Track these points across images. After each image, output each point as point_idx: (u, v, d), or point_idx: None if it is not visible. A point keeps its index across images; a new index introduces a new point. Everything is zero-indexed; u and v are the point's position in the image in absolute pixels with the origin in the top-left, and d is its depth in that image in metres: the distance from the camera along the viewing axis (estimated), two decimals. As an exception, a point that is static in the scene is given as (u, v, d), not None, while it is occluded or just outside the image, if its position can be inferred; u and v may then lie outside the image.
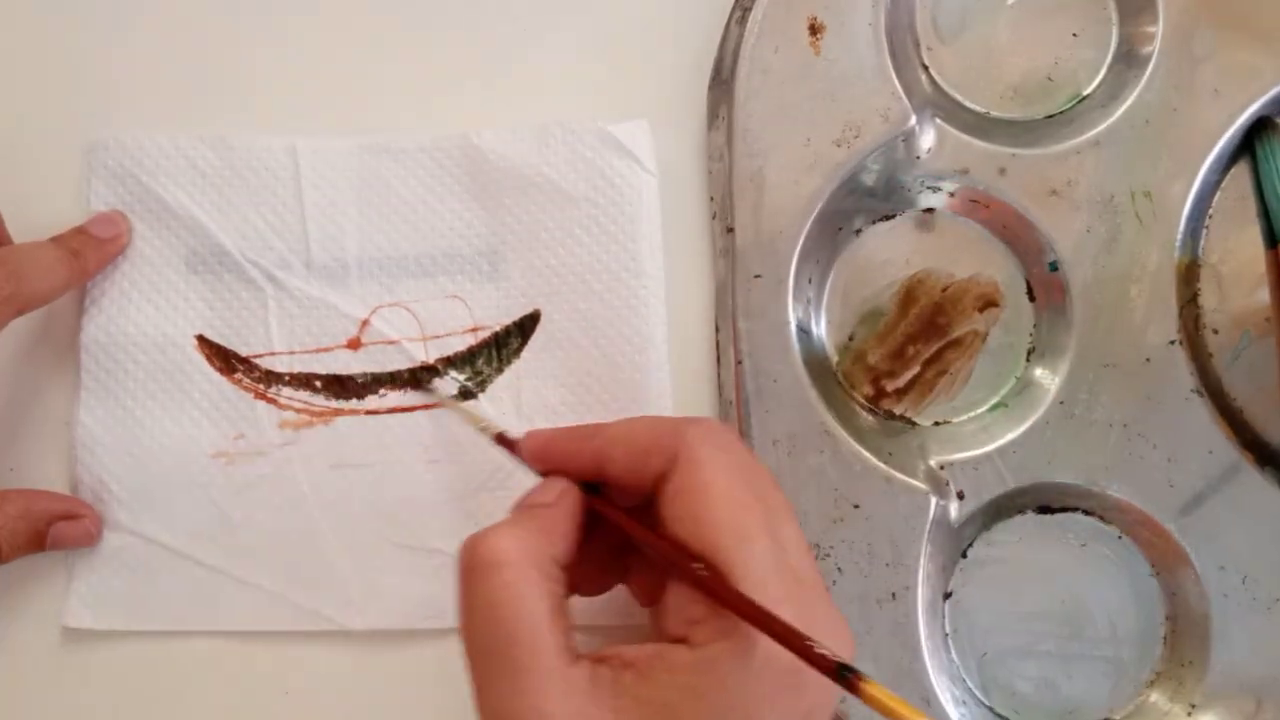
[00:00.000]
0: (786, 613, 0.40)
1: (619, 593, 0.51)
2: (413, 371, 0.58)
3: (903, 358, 0.59)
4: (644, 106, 0.59)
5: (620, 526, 0.46)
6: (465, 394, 0.58)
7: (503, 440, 0.52)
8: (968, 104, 0.59)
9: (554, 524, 0.45)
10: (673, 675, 0.41)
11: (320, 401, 0.58)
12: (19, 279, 0.53)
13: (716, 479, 0.43)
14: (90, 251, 0.57)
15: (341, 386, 0.58)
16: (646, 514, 0.46)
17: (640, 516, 0.46)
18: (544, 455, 0.49)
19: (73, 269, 0.56)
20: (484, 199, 0.59)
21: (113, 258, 0.58)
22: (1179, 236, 0.57)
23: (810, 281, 0.58)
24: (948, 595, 0.57)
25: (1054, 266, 0.57)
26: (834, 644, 0.40)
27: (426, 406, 0.58)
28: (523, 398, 0.57)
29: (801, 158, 0.57)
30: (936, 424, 0.58)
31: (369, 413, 0.58)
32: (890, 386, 0.59)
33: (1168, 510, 0.56)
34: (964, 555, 0.57)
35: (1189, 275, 0.58)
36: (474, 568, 0.42)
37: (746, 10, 0.57)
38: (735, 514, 0.42)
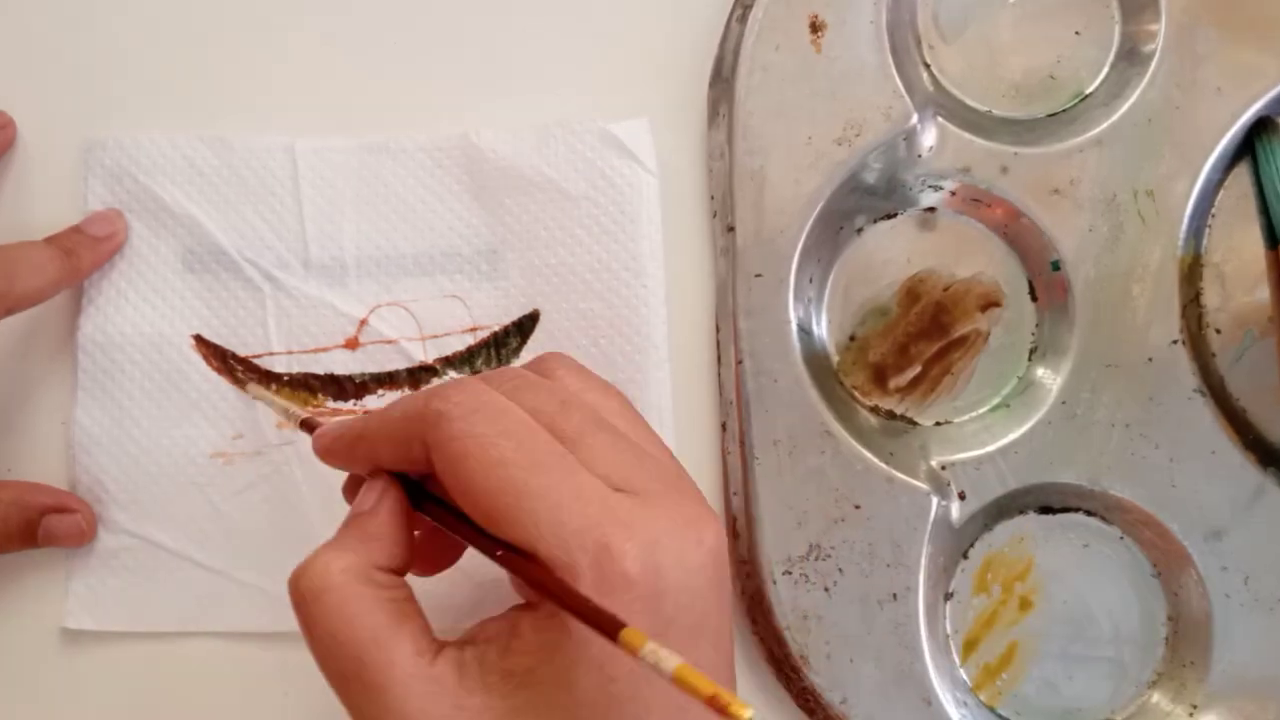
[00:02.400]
0: (598, 533, 0.38)
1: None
2: (411, 371, 0.58)
3: (904, 357, 0.58)
4: (644, 105, 0.59)
5: (436, 521, 0.44)
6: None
7: (307, 426, 0.50)
8: (969, 102, 0.59)
9: (376, 531, 0.43)
10: (524, 640, 0.40)
11: (318, 401, 0.58)
12: (9, 278, 0.53)
13: (466, 449, 0.40)
14: (84, 250, 0.57)
15: (339, 386, 0.58)
16: None
17: None
18: (332, 456, 0.47)
19: (65, 268, 0.56)
20: (483, 198, 0.59)
21: (108, 256, 0.58)
22: (1182, 235, 0.57)
23: (811, 281, 0.58)
24: (949, 596, 0.57)
25: (1056, 266, 0.57)
26: (677, 542, 0.39)
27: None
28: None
29: (802, 156, 0.57)
30: (938, 424, 0.58)
31: (367, 412, 0.58)
32: (891, 386, 0.58)
33: (1170, 511, 0.56)
34: (965, 556, 0.57)
35: (1191, 274, 0.57)
36: (302, 600, 0.41)
37: (747, 8, 0.57)
38: (499, 474, 0.40)
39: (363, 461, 0.46)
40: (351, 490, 0.48)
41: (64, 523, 0.56)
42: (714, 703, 0.32)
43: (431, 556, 0.48)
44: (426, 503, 0.44)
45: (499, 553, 0.40)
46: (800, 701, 0.56)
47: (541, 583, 0.38)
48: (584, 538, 0.38)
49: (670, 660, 0.33)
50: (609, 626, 0.35)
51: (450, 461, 0.40)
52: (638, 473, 0.42)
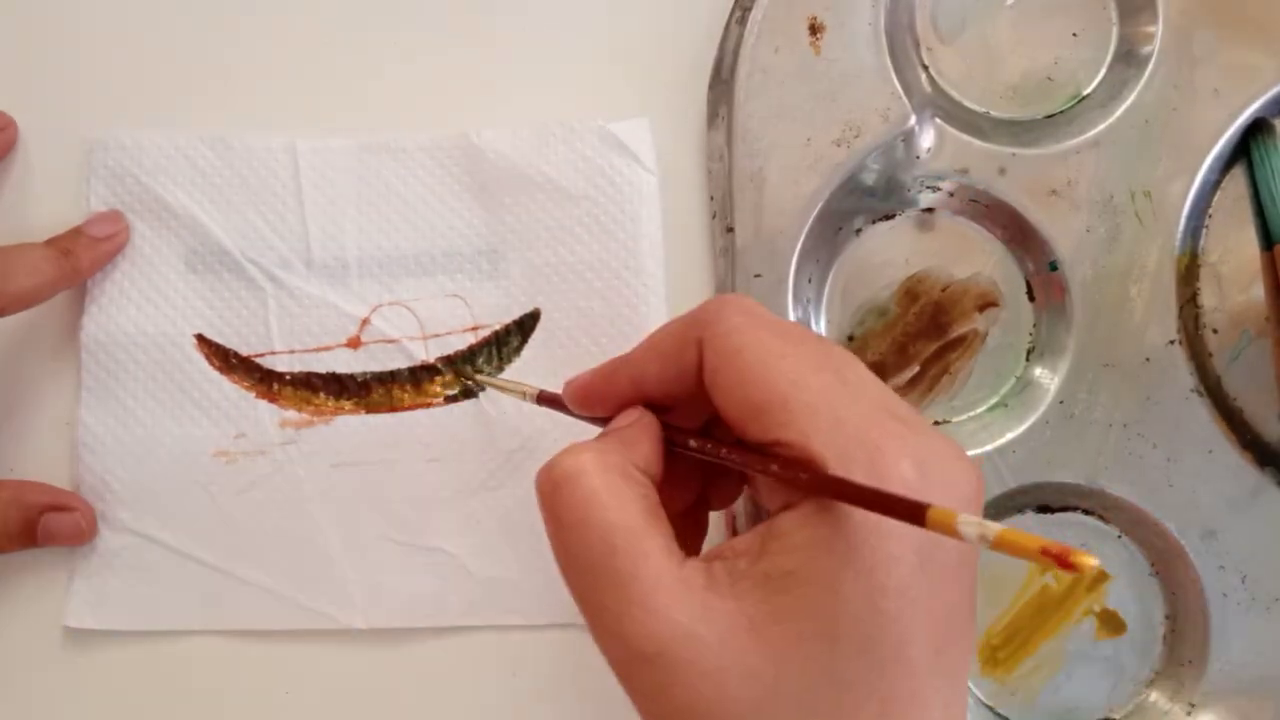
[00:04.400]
0: (875, 433, 0.37)
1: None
2: (413, 370, 0.58)
3: (902, 357, 0.58)
4: (644, 106, 0.59)
5: (693, 450, 0.42)
6: (466, 393, 0.58)
7: (545, 398, 0.49)
8: (967, 104, 0.59)
9: (633, 437, 0.42)
10: (785, 541, 0.37)
11: (320, 400, 0.58)
12: (3, 278, 0.53)
13: (746, 340, 0.39)
14: (83, 251, 0.57)
15: (341, 385, 0.58)
16: (716, 430, 0.43)
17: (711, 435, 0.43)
18: (587, 398, 0.45)
19: (62, 268, 0.56)
20: (484, 198, 0.59)
21: (109, 257, 0.58)
22: (1178, 236, 0.57)
23: (810, 281, 0.58)
24: (948, 595, 0.57)
25: (1054, 266, 0.57)
26: (946, 465, 0.37)
27: (426, 405, 0.58)
28: (523, 396, 0.57)
29: (801, 157, 0.57)
30: (936, 423, 0.58)
31: (369, 411, 0.58)
32: (890, 386, 0.58)
33: (1167, 510, 0.56)
34: (964, 555, 0.57)
35: (1189, 275, 0.58)
36: (554, 487, 0.39)
37: (746, 10, 0.57)
38: (778, 363, 0.38)
39: (624, 387, 0.44)
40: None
41: (63, 521, 0.56)
42: (1049, 556, 0.29)
43: (678, 498, 0.46)
44: (687, 436, 0.43)
45: (774, 466, 0.38)
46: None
47: (826, 482, 0.36)
48: (863, 433, 0.37)
49: (992, 528, 0.31)
50: (913, 510, 0.33)
51: (726, 354, 0.39)
52: (902, 405, 0.40)
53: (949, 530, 0.32)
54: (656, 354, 0.43)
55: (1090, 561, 0.29)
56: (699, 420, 0.45)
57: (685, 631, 0.36)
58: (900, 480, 0.36)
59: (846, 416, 0.37)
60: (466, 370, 0.58)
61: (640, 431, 0.42)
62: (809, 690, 0.36)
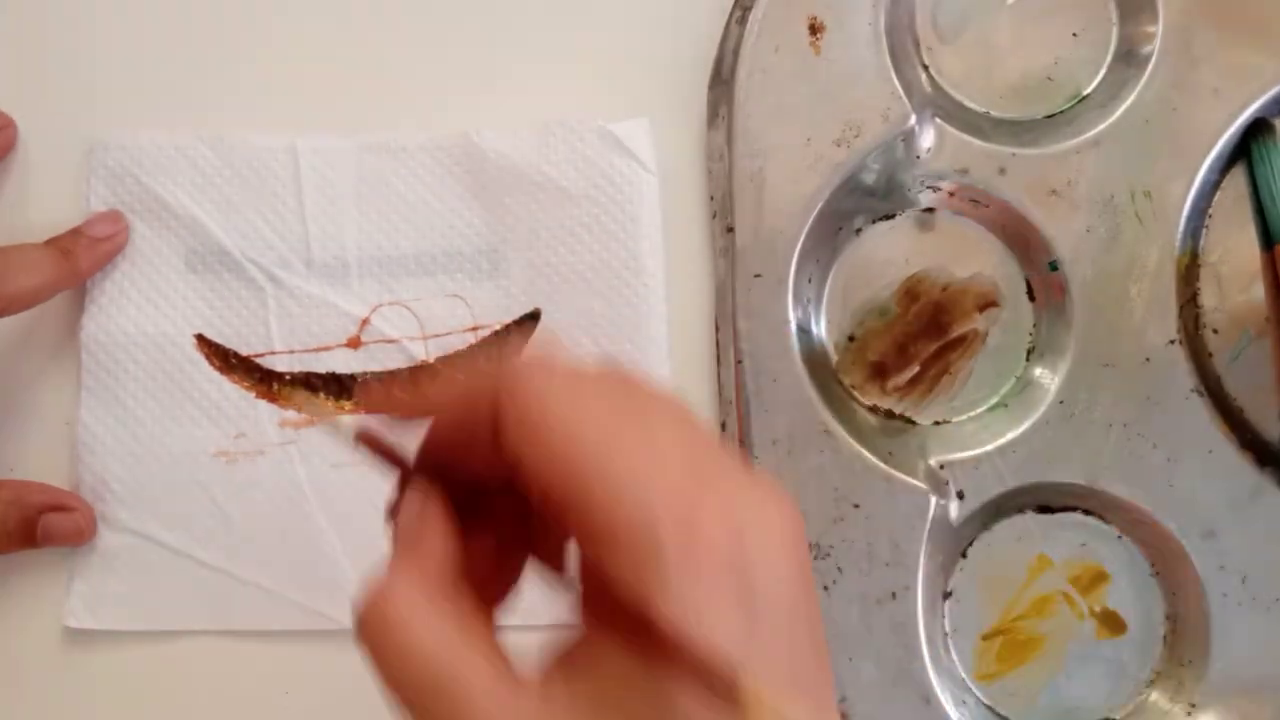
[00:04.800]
0: (681, 500, 0.35)
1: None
2: (413, 370, 0.58)
3: (903, 357, 0.59)
4: (644, 106, 0.59)
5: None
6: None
7: (364, 439, 0.45)
8: (968, 104, 0.59)
9: (426, 544, 0.40)
10: (608, 664, 0.36)
11: (320, 400, 0.58)
12: (2, 279, 0.53)
13: (545, 402, 0.37)
14: (82, 251, 0.57)
15: (341, 385, 0.58)
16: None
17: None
18: (368, 435, 0.43)
19: (61, 269, 0.56)
20: (484, 198, 0.59)
21: (109, 257, 0.58)
22: (1179, 236, 0.57)
23: (810, 281, 0.58)
24: (948, 594, 0.57)
25: (1054, 266, 0.57)
26: (757, 513, 0.37)
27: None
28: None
29: (801, 157, 0.57)
30: (936, 423, 0.59)
31: (369, 411, 0.58)
32: (890, 386, 0.59)
33: (1167, 510, 0.56)
34: (964, 555, 0.57)
35: (1189, 275, 0.58)
36: (371, 636, 0.38)
37: (747, 10, 0.58)
38: (579, 430, 0.37)
39: (412, 414, 0.42)
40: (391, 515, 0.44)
41: (62, 521, 0.56)
42: None
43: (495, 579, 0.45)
44: (489, 502, 0.42)
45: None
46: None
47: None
48: (669, 502, 0.36)
49: None
50: (720, 678, 0.33)
51: (527, 421, 0.37)
52: (709, 451, 0.39)
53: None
54: (447, 397, 0.41)
55: None
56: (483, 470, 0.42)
57: None
58: (710, 546, 0.35)
59: (649, 483, 0.36)
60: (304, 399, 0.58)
61: (434, 532, 0.40)
62: None
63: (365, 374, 0.58)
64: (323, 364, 0.58)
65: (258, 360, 0.58)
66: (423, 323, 0.58)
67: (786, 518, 0.38)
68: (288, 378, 0.58)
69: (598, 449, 0.36)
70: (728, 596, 0.35)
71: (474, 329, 0.58)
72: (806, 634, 0.37)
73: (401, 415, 0.42)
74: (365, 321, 0.58)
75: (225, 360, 0.58)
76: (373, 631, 0.37)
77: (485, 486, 0.42)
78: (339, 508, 0.57)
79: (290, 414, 0.58)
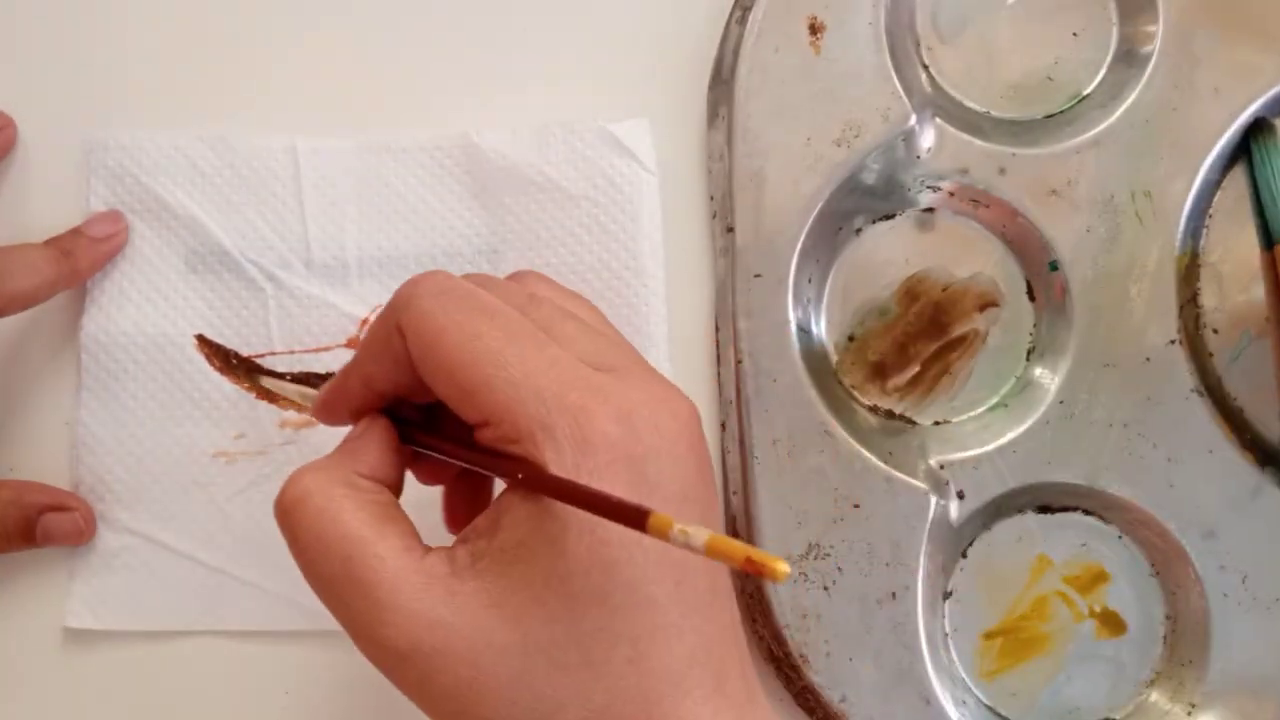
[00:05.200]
0: (574, 396, 0.38)
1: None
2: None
3: (903, 357, 0.59)
4: (644, 106, 0.59)
5: (424, 448, 0.44)
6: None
7: None
8: (968, 103, 0.59)
9: (358, 447, 0.43)
10: (513, 514, 0.39)
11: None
12: (2, 278, 0.53)
13: (439, 324, 0.40)
14: (82, 251, 0.57)
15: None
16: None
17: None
18: (329, 410, 0.46)
19: (62, 269, 0.56)
20: (484, 198, 0.59)
21: (109, 257, 0.58)
22: (1179, 236, 0.57)
23: (810, 281, 0.58)
24: (948, 595, 0.57)
25: (1054, 266, 0.57)
26: (651, 410, 0.39)
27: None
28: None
29: (801, 157, 0.57)
30: (936, 423, 0.58)
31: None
32: (890, 386, 0.59)
33: (1167, 510, 0.56)
34: (964, 555, 0.57)
35: (1189, 274, 0.58)
36: (284, 513, 0.41)
37: (746, 10, 0.58)
38: (472, 345, 0.39)
39: (357, 391, 0.44)
40: None
41: (62, 521, 0.56)
42: (750, 565, 0.32)
43: (467, 503, 0.48)
44: (416, 433, 0.44)
45: (495, 461, 0.40)
46: (800, 700, 0.56)
47: (548, 483, 0.38)
48: (562, 399, 0.38)
49: (700, 534, 0.33)
50: (634, 515, 0.35)
51: (425, 342, 0.40)
52: (609, 353, 0.42)
53: (663, 537, 0.34)
54: (370, 353, 0.43)
55: (782, 568, 0.32)
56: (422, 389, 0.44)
57: (431, 621, 0.38)
58: (605, 439, 0.38)
59: (545, 384, 0.38)
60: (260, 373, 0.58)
61: (367, 440, 0.43)
62: (557, 648, 0.38)
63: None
64: (323, 364, 0.58)
65: (258, 360, 0.58)
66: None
67: (678, 414, 0.41)
68: (288, 378, 0.58)
69: (489, 361, 0.39)
70: (620, 478, 0.37)
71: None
72: (701, 514, 0.40)
73: (339, 406, 0.46)
74: (365, 322, 0.58)
75: (225, 360, 0.58)
76: (291, 503, 0.40)
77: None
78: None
79: (290, 414, 0.58)
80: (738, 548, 0.33)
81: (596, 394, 0.39)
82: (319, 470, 0.42)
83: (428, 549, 0.40)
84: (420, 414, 0.45)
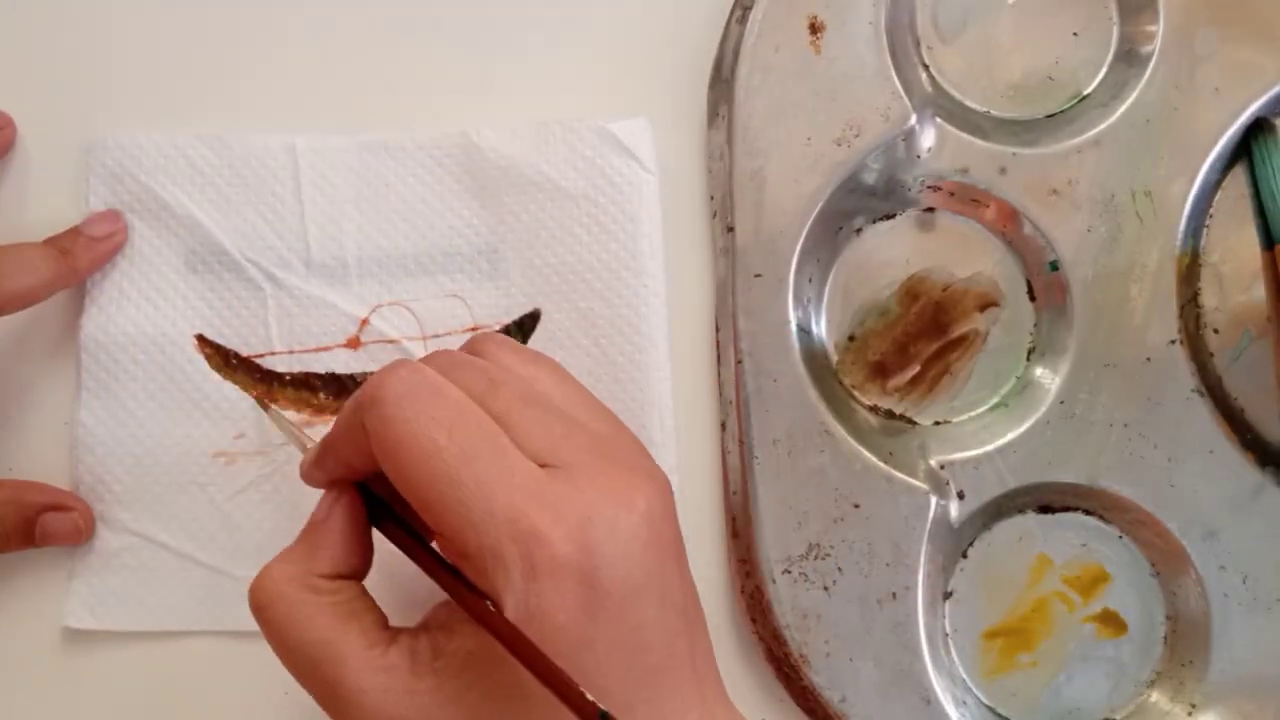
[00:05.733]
0: (526, 521, 0.39)
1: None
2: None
3: (903, 357, 0.59)
4: (644, 105, 0.59)
5: (394, 543, 0.45)
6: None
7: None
8: (968, 103, 0.59)
9: (323, 539, 0.45)
10: (465, 623, 0.41)
11: (320, 401, 0.58)
12: (0, 277, 0.54)
13: (399, 435, 0.41)
14: (81, 250, 0.57)
15: (341, 386, 0.58)
16: None
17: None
18: (308, 474, 0.48)
19: (60, 268, 0.56)
20: (484, 197, 0.59)
21: (108, 257, 0.58)
22: (1180, 236, 0.57)
23: (810, 281, 0.58)
24: (948, 595, 0.57)
25: (1054, 266, 0.57)
26: (607, 514, 0.40)
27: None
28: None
29: (802, 157, 0.57)
30: (937, 423, 0.58)
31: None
32: (890, 386, 0.59)
33: (1168, 510, 0.56)
34: (964, 555, 0.57)
35: (1190, 274, 0.58)
36: (257, 613, 0.43)
37: (747, 9, 0.57)
38: (431, 463, 0.40)
39: (333, 468, 0.46)
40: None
41: (61, 521, 0.56)
42: None
43: None
44: (385, 522, 0.46)
45: (460, 587, 0.41)
46: (800, 700, 0.56)
47: (504, 636, 0.39)
48: (515, 525, 0.39)
49: None
50: (581, 707, 0.37)
51: (387, 450, 0.41)
52: (566, 445, 0.42)
53: None
54: (343, 438, 0.45)
55: None
56: None
57: (392, 718, 0.40)
58: (555, 563, 0.39)
59: (498, 508, 0.39)
60: (270, 407, 0.58)
61: (327, 532, 0.45)
62: None
63: (366, 375, 0.58)
64: (322, 364, 0.58)
65: (258, 360, 0.58)
66: (422, 323, 0.58)
67: (634, 506, 0.41)
68: (287, 378, 0.58)
69: (445, 480, 0.40)
70: (569, 597, 0.39)
71: (473, 329, 0.58)
72: (656, 608, 0.41)
73: (319, 476, 0.47)
74: (365, 322, 0.58)
75: (225, 360, 0.58)
76: (260, 607, 0.43)
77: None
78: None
79: (290, 414, 0.58)
80: None
81: (549, 511, 0.39)
82: (283, 569, 0.44)
83: (393, 636, 0.42)
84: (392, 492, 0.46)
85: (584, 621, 0.39)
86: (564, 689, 0.37)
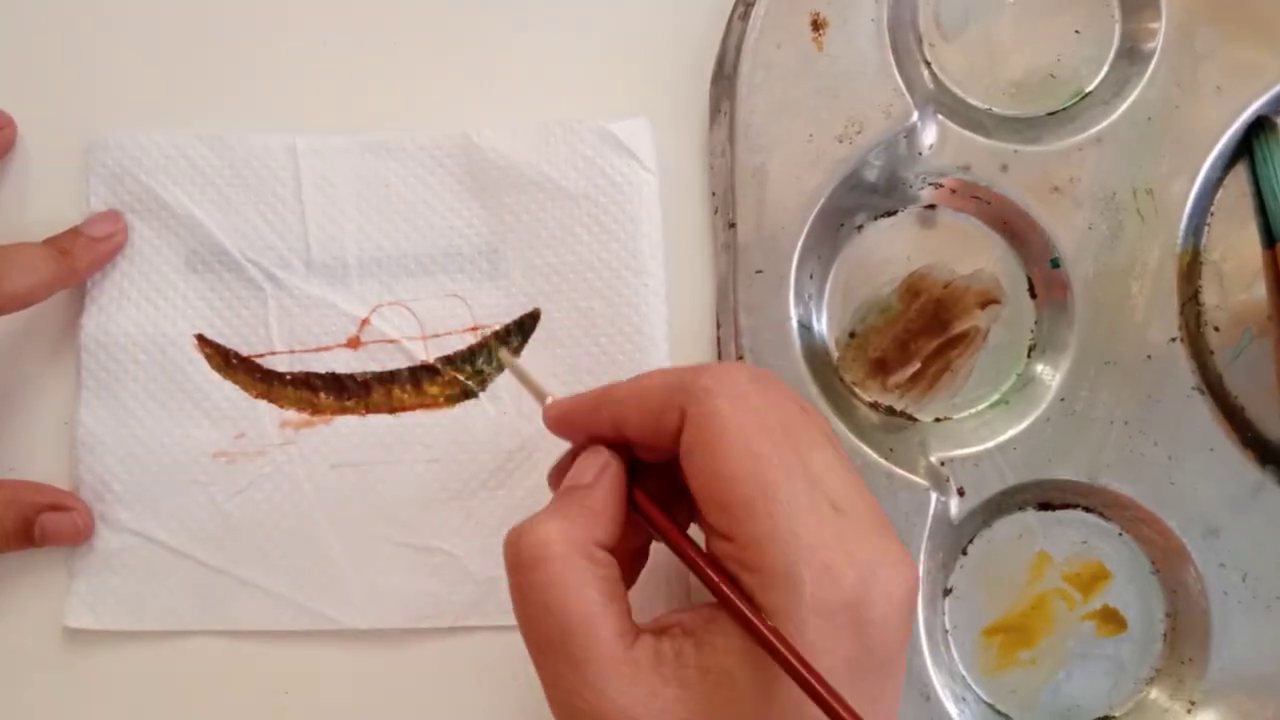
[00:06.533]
0: (825, 553, 0.39)
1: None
2: (412, 371, 0.58)
3: (904, 354, 0.59)
4: (646, 102, 0.59)
5: (659, 530, 0.45)
6: (466, 393, 0.58)
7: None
8: (970, 100, 0.59)
9: (595, 506, 0.44)
10: (728, 640, 0.40)
11: (320, 400, 0.58)
12: None
13: (727, 430, 0.41)
14: (80, 250, 0.57)
15: (341, 385, 0.58)
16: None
17: (675, 470, 0.44)
18: (567, 426, 0.47)
19: (59, 268, 0.56)
20: (484, 197, 0.59)
21: (108, 257, 0.58)
22: (1180, 233, 0.57)
23: (812, 277, 0.58)
24: (948, 591, 0.57)
25: (1055, 263, 0.57)
26: (887, 574, 0.40)
27: (426, 406, 0.58)
28: (523, 397, 0.57)
29: (804, 153, 0.57)
30: (937, 420, 0.59)
31: (369, 411, 0.58)
32: (891, 382, 0.59)
33: (1168, 507, 0.56)
34: (964, 552, 0.57)
35: (1190, 272, 0.58)
36: (520, 565, 0.42)
37: (749, 6, 0.57)
38: (752, 466, 0.40)
39: (603, 425, 0.45)
40: (557, 478, 0.48)
41: (60, 521, 0.56)
42: None
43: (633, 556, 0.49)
44: (640, 498, 0.45)
45: (731, 597, 0.40)
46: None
47: (778, 650, 0.38)
48: (814, 554, 0.39)
49: None
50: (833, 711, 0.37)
51: (704, 438, 0.41)
52: (855, 495, 0.42)
53: None
54: (640, 406, 0.44)
55: None
56: (665, 455, 0.45)
57: (628, 715, 0.40)
58: (842, 603, 0.39)
59: (804, 532, 0.40)
60: (499, 349, 0.58)
61: (605, 498, 0.44)
62: None
63: (366, 374, 0.58)
64: (323, 364, 0.58)
65: (258, 360, 0.58)
66: (422, 323, 0.58)
67: (906, 578, 0.41)
68: (288, 378, 0.58)
69: (760, 488, 0.40)
70: (842, 644, 0.39)
71: (474, 329, 0.58)
72: (894, 685, 0.42)
73: (580, 426, 0.47)
74: (365, 322, 0.58)
75: (226, 360, 0.58)
76: (527, 563, 0.42)
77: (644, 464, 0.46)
78: (339, 508, 0.57)
79: (290, 414, 0.58)
80: None
81: (843, 552, 0.40)
82: (562, 528, 0.42)
83: (638, 631, 0.42)
84: (642, 467, 0.46)
85: (844, 672, 0.39)
86: (837, 713, 0.37)
